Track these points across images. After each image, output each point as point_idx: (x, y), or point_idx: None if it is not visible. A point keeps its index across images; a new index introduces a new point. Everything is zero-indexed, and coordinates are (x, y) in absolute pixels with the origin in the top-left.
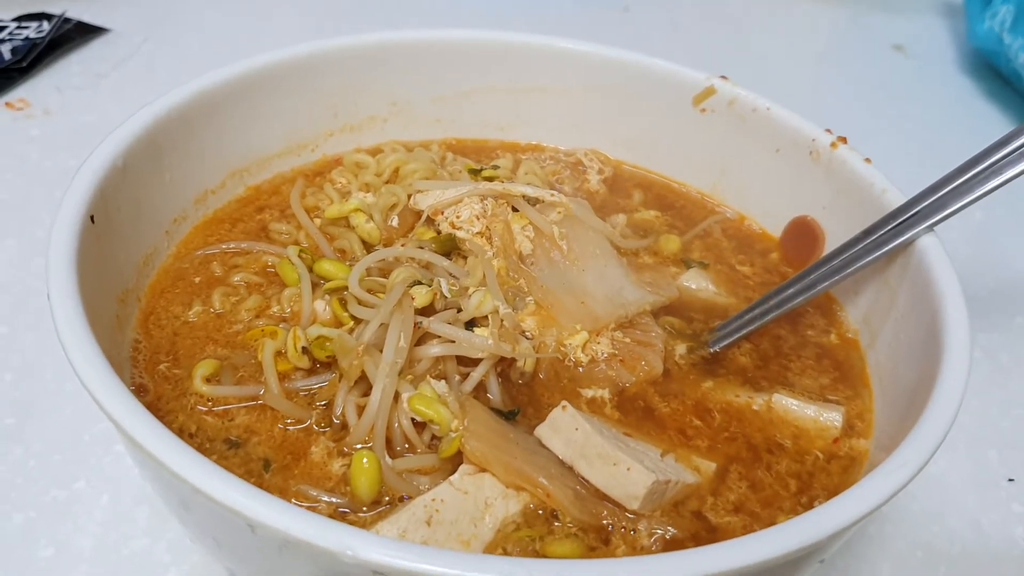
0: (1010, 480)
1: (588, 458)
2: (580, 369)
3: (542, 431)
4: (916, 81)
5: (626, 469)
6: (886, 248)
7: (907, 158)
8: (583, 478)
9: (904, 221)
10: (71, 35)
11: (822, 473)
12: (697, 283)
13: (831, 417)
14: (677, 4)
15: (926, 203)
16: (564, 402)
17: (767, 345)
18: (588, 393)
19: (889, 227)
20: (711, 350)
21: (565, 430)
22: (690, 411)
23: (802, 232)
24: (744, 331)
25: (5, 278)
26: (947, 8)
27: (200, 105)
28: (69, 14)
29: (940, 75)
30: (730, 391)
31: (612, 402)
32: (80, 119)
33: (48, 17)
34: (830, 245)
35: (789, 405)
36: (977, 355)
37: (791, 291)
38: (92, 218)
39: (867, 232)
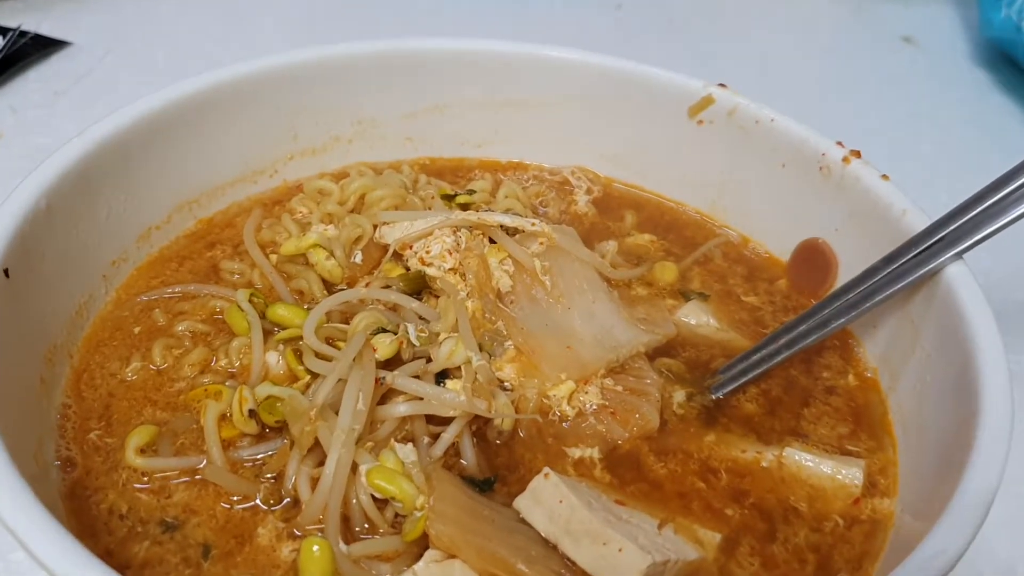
0: None
1: (574, 535)
2: (566, 424)
3: (521, 503)
4: (928, 74)
5: (618, 549)
6: (909, 279)
7: (921, 159)
8: (568, 559)
9: (928, 247)
10: (28, 50)
11: (843, 543)
12: (697, 317)
13: (851, 474)
14: (671, 1)
15: (953, 227)
16: (547, 469)
17: (777, 389)
18: (575, 453)
19: (912, 254)
20: (713, 397)
21: (548, 502)
22: (691, 471)
23: (812, 257)
24: (750, 375)
25: None
26: None
27: (139, 132)
28: (26, 27)
29: (953, 67)
30: (736, 446)
31: (602, 463)
32: (36, 141)
33: (3, 31)
34: (844, 272)
35: (803, 461)
36: None
37: (802, 328)
38: (6, 272)
39: (887, 260)
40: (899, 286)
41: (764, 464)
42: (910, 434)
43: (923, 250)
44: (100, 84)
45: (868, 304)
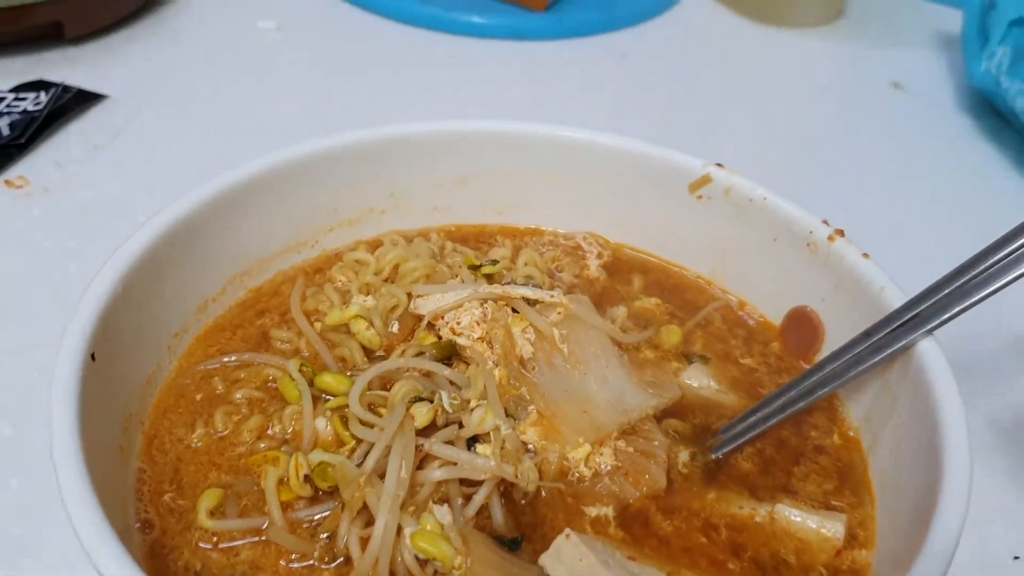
0: (1016, 558)
1: None
2: (583, 484)
3: (546, 560)
4: (916, 119)
5: None
6: (885, 352)
7: (909, 200)
8: None
9: (903, 324)
10: (70, 104)
11: None
12: (699, 380)
13: (833, 528)
14: (673, 48)
15: (926, 305)
16: (568, 530)
17: (770, 449)
18: (592, 512)
19: (888, 329)
20: (714, 456)
21: (569, 560)
22: (695, 527)
23: (801, 323)
24: (746, 436)
25: (6, 371)
26: (945, 42)
27: (200, 215)
28: (68, 81)
29: (940, 114)
30: (734, 503)
31: (616, 520)
32: (80, 195)
33: (46, 87)
34: (830, 337)
35: (791, 516)
36: (977, 423)
37: (793, 393)
38: (92, 356)
39: (866, 334)
40: (877, 359)
41: (758, 519)
42: (887, 491)
43: (898, 326)
44: (136, 137)
45: (850, 374)
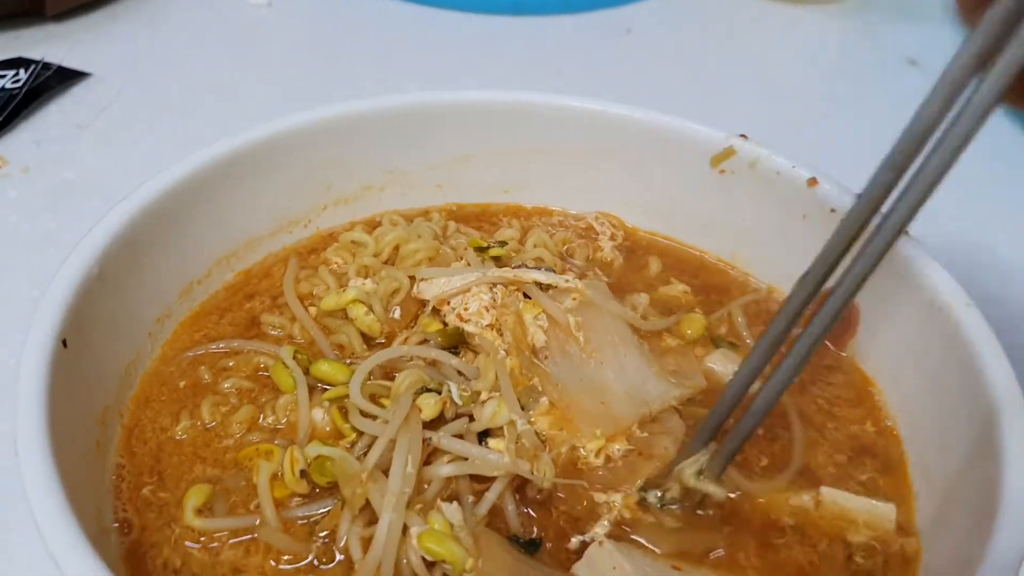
0: None
1: None
2: (599, 472)
3: (579, 570)
4: None
5: None
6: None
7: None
8: None
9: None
10: (50, 82)
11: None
12: (724, 366)
13: (886, 509)
14: (681, 24)
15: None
16: (602, 537)
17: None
18: (601, 498)
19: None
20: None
21: (602, 568)
22: (740, 520)
23: None
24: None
25: None
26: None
27: (180, 194)
28: (49, 58)
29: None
30: (774, 492)
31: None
32: (61, 176)
33: (25, 64)
34: (866, 323)
35: (838, 498)
36: None
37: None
38: (64, 342)
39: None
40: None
41: (804, 505)
42: (934, 487)
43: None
44: (119, 116)
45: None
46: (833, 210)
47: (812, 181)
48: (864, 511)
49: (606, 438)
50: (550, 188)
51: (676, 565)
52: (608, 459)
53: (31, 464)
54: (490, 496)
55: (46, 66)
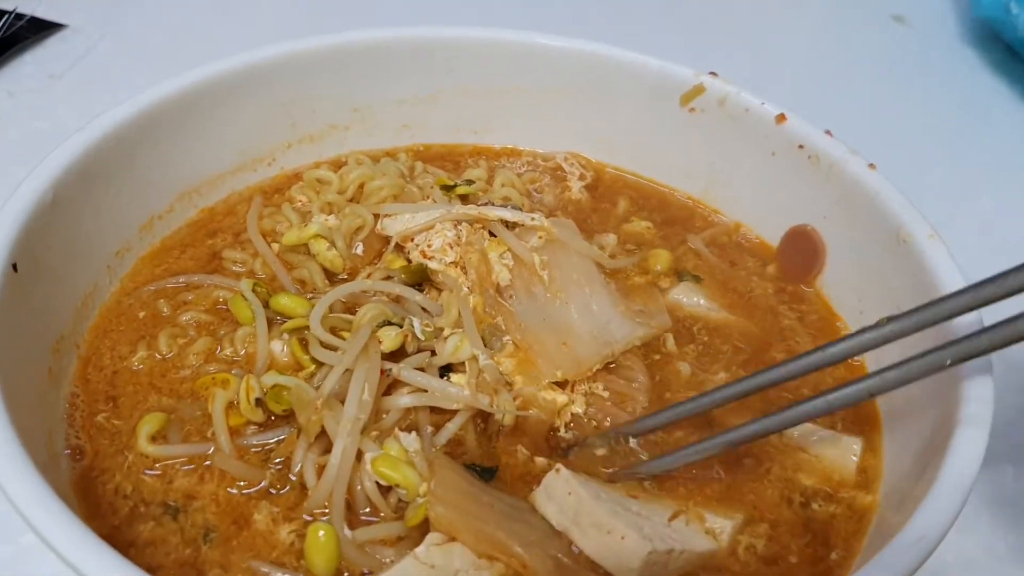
0: None
1: (582, 526)
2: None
3: (537, 496)
4: (918, 54)
5: (620, 538)
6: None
7: (911, 137)
8: (576, 547)
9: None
10: (24, 32)
11: (836, 521)
12: (689, 298)
13: (850, 442)
14: None
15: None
16: (558, 465)
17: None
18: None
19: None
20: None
21: (559, 495)
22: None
23: (801, 243)
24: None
25: None
26: None
27: (140, 125)
28: (21, 9)
29: (943, 47)
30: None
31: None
32: (34, 125)
33: None
34: (832, 258)
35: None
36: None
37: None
38: (15, 267)
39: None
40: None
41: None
42: (895, 423)
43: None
44: (96, 68)
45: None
46: (801, 146)
47: (780, 117)
48: (829, 442)
49: (568, 388)
50: (519, 129)
51: (633, 494)
52: (588, 405)
53: None
54: (451, 427)
55: (19, 16)
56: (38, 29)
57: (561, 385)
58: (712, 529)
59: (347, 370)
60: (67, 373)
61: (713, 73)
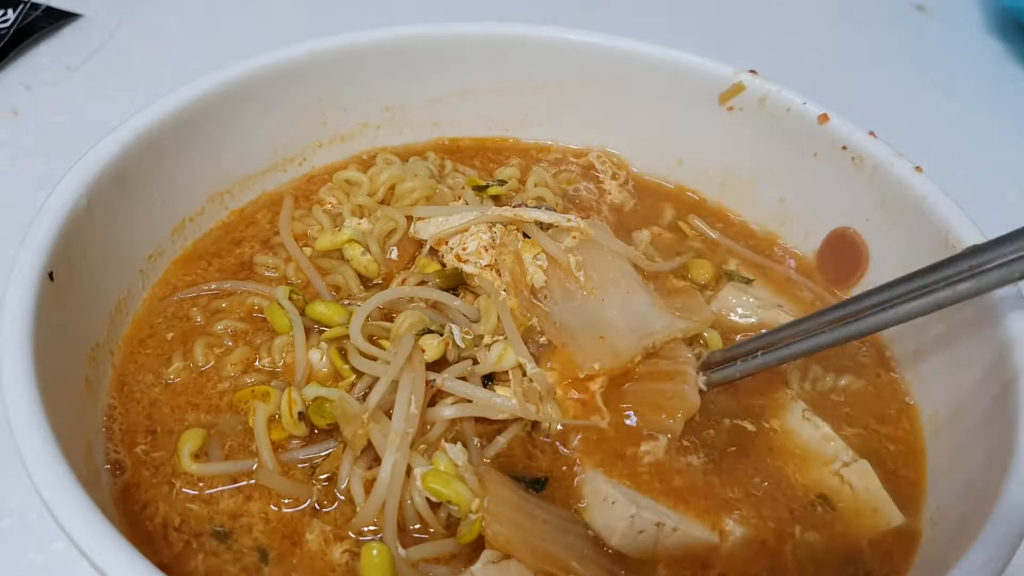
0: None
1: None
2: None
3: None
4: (941, 44)
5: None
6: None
7: (935, 130)
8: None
9: (982, 267)
10: (40, 23)
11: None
12: (737, 298)
13: (838, 447)
14: None
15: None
16: (592, 472)
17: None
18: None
19: (957, 269)
20: (706, 381)
21: (597, 500)
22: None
23: (843, 246)
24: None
25: None
26: None
27: (171, 126)
28: None
29: (966, 37)
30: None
31: (650, 463)
32: (51, 119)
33: (13, 3)
34: (875, 263)
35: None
36: None
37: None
38: (51, 275)
39: (925, 272)
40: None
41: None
42: (942, 446)
43: (974, 268)
44: (113, 58)
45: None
46: (845, 147)
47: (823, 118)
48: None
49: (604, 370)
50: (551, 125)
51: (672, 506)
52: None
53: (16, 395)
54: (501, 440)
55: (34, 5)
56: (54, 19)
57: None
58: (723, 528)
59: (392, 381)
60: (103, 383)
61: (753, 71)
